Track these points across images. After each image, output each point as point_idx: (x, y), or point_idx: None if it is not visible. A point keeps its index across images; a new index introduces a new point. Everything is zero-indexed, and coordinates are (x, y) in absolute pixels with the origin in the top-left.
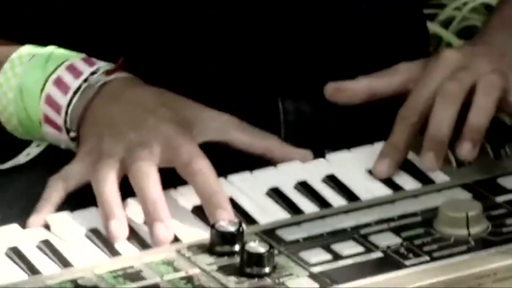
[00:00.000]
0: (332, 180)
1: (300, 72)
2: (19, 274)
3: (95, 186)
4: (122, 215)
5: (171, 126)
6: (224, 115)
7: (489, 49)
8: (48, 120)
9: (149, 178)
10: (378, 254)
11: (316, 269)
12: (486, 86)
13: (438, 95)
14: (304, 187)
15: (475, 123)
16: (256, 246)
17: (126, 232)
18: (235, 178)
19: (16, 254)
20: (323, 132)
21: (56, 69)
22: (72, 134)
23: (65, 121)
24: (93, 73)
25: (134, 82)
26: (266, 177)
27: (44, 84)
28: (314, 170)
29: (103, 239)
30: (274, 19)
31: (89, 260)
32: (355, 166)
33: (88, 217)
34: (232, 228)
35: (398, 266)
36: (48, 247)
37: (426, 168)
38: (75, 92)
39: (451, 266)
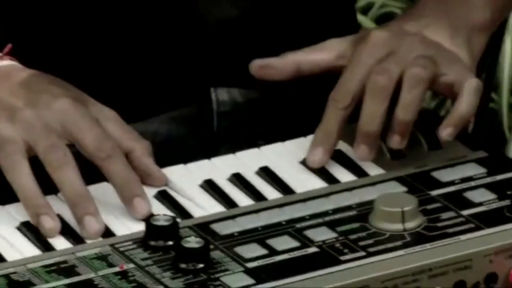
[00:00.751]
0: (266, 173)
1: (232, 60)
2: None
3: (10, 179)
4: (49, 208)
5: (66, 100)
6: (105, 106)
7: (418, 24)
8: None
9: (67, 167)
10: (313, 249)
11: (251, 265)
12: (411, 81)
13: (368, 89)
14: (238, 179)
15: (402, 118)
16: (192, 241)
17: (59, 226)
18: (167, 170)
19: None
20: (256, 123)
21: None
22: None
23: None
24: None
25: (22, 67)
26: (199, 170)
27: None
28: (248, 162)
29: (35, 233)
30: (203, 5)
31: (21, 254)
32: (289, 158)
33: (20, 210)
34: (166, 223)
35: (334, 261)
36: None
37: (360, 159)
38: None
39: (387, 262)
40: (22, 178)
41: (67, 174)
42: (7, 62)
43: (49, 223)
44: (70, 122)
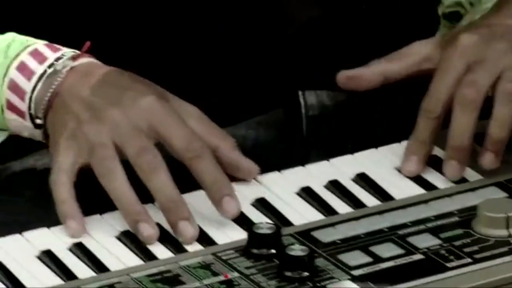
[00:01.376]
0: (363, 179)
1: (319, 62)
2: (54, 279)
3: (106, 186)
4: (147, 215)
5: (152, 98)
6: (190, 105)
7: (505, 27)
8: (11, 107)
9: (159, 171)
10: (418, 256)
11: (357, 272)
12: (503, 96)
13: (456, 102)
14: (335, 187)
15: (496, 136)
16: (296, 249)
17: (157, 232)
18: (264, 178)
19: (49, 258)
20: (345, 126)
21: (18, 54)
22: (38, 121)
23: (29, 107)
24: (58, 59)
25: (101, 65)
26: (295, 176)
27: (7, 70)
28: (344, 168)
29: (135, 242)
30: (288, 11)
31: (123, 264)
32: (384, 164)
33: (117, 218)
34: (269, 231)
35: (441, 269)
36: (81, 250)
37: (450, 177)
38: (39, 78)
39: (494, 269)
40: (118, 185)
41: (159, 177)
42: (86, 60)
43: (147, 230)
44: (157, 121)
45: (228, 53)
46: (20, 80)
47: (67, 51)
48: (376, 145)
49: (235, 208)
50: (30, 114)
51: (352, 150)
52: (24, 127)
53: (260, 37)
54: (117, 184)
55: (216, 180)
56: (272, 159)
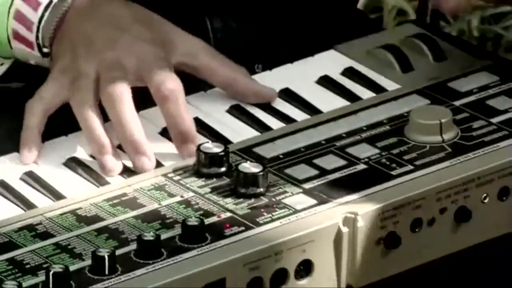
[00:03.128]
0: (287, 95)
1: None
2: (13, 208)
3: (76, 110)
4: (112, 147)
5: (145, 45)
6: (195, 39)
7: None
8: (18, 37)
9: (122, 103)
10: (362, 166)
11: (307, 185)
12: None
13: None
14: (263, 104)
15: None
16: (249, 167)
17: (120, 166)
18: (191, 98)
19: (3, 188)
20: (252, 47)
21: None
22: (45, 50)
23: (37, 37)
24: None
25: None
26: (221, 96)
27: (12, 1)
28: (267, 85)
29: (84, 168)
30: None
31: (78, 190)
32: (304, 78)
33: (64, 145)
34: (218, 150)
35: (387, 177)
36: (32, 178)
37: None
38: (46, 7)
39: (437, 174)
40: (87, 114)
41: (121, 110)
42: None
43: (110, 163)
44: (144, 68)
45: None
46: (27, 10)
47: None
48: (286, 62)
49: (192, 151)
50: (38, 44)
51: (260, 70)
52: (32, 56)
53: None
54: (86, 113)
55: (178, 126)
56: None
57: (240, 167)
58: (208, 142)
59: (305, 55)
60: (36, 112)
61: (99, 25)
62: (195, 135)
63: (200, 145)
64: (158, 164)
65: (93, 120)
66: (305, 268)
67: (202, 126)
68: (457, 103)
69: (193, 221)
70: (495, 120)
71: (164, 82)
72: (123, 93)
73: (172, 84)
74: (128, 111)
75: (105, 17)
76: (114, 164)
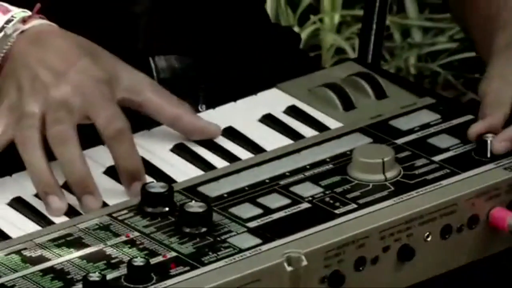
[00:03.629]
0: (231, 133)
1: (168, 29)
2: None
3: (21, 149)
4: (57, 187)
5: (92, 82)
6: (141, 74)
7: None
8: None
9: (68, 143)
10: (306, 205)
11: (252, 224)
12: None
13: None
14: (207, 142)
15: None
16: (194, 206)
17: (66, 206)
18: (135, 136)
19: None
20: (196, 88)
21: None
22: None
23: None
24: (8, 21)
25: (53, 28)
26: (165, 134)
27: None
28: None
29: (29, 208)
30: None
31: (23, 230)
32: (246, 117)
33: (8, 185)
34: (162, 189)
35: (330, 216)
36: None
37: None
38: None
39: (380, 212)
40: (32, 154)
41: (68, 150)
42: (37, 22)
43: (56, 203)
44: (88, 102)
45: (83, 24)
46: None
47: (17, 12)
48: (229, 101)
49: (95, 205)
50: None
51: (204, 109)
52: None
53: (110, 12)
54: (30, 153)
55: (127, 165)
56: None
57: (185, 207)
58: (153, 181)
59: (247, 94)
60: None
61: (46, 57)
62: (143, 174)
63: (144, 184)
64: (103, 204)
65: (38, 159)
66: None
67: (146, 165)
68: (399, 141)
69: (138, 262)
70: (436, 158)
71: (111, 122)
72: (69, 132)
73: (119, 124)
74: (74, 151)
75: (51, 49)
76: (60, 204)
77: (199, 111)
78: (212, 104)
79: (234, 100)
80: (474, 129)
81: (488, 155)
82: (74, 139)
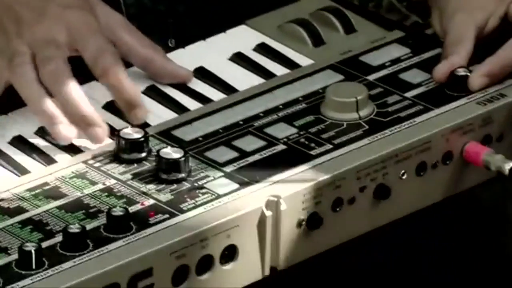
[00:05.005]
0: (202, 74)
1: None
2: None
3: (19, 87)
4: (63, 116)
5: (74, 13)
6: (116, 14)
7: None
8: None
9: (63, 80)
10: (281, 147)
11: (228, 168)
12: None
13: None
14: (179, 83)
15: None
16: (171, 152)
17: (75, 133)
18: None
19: None
20: (165, 22)
21: None
22: None
23: None
24: None
25: None
26: (137, 74)
27: None
28: (181, 63)
29: (31, 146)
30: None
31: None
32: (217, 56)
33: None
34: (138, 135)
35: (306, 157)
36: None
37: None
38: None
39: (356, 152)
40: (31, 89)
41: (64, 88)
42: None
43: (65, 130)
44: (75, 35)
45: None
46: None
47: None
48: (199, 38)
49: (143, 117)
50: None
51: (174, 45)
52: None
53: None
54: (30, 88)
55: (123, 96)
56: None
57: (161, 153)
58: (127, 127)
59: (217, 28)
60: None
61: None
62: (140, 100)
63: (119, 130)
64: (78, 150)
65: (38, 93)
66: (230, 253)
67: (116, 109)
68: (371, 77)
69: (118, 211)
70: (409, 94)
71: (99, 56)
72: (61, 68)
73: (107, 58)
74: (72, 87)
75: None
76: (69, 130)
77: (168, 46)
78: (182, 38)
79: (204, 34)
80: (440, 71)
81: (460, 88)
82: (68, 74)
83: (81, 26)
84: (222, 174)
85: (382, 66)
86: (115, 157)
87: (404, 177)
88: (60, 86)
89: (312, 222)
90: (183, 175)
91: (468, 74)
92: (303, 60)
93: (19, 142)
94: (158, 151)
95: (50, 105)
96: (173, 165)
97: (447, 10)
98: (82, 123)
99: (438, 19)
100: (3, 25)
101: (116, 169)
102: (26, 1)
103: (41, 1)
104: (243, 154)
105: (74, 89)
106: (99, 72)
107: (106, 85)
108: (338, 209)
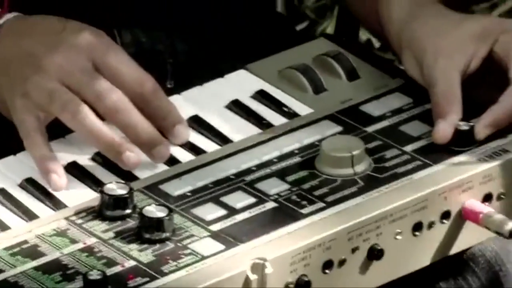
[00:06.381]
0: (197, 122)
1: (134, 2)
2: None
3: (78, 127)
4: (129, 144)
5: (87, 33)
6: (117, 46)
7: None
8: None
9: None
10: (272, 204)
11: (215, 227)
12: None
13: None
14: None
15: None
16: (154, 211)
17: (140, 158)
18: None
19: None
20: (162, 62)
21: None
22: None
23: None
24: None
25: (26, 17)
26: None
27: None
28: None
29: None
30: None
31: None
32: (214, 103)
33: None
34: (122, 191)
35: (296, 216)
36: None
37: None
38: None
39: (349, 211)
40: (90, 123)
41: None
42: (10, 16)
43: (133, 158)
44: (100, 57)
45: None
46: None
47: None
48: (199, 83)
49: (167, 153)
50: None
51: (173, 85)
52: None
53: None
54: (89, 122)
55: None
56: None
57: (144, 211)
58: (111, 182)
59: (218, 68)
60: (39, 143)
61: (31, 41)
62: (159, 136)
63: (103, 186)
64: (62, 205)
65: (100, 126)
66: None
67: (105, 162)
68: (370, 129)
69: (94, 275)
70: (408, 148)
71: (102, 94)
72: (122, 100)
73: (113, 95)
74: (132, 113)
75: (33, 32)
76: (136, 157)
77: (167, 87)
78: (181, 79)
79: (204, 74)
80: (442, 133)
81: (464, 143)
82: (128, 103)
83: (98, 46)
84: (208, 233)
85: (382, 117)
86: (99, 213)
87: (398, 237)
88: (121, 115)
89: (300, 286)
90: (166, 234)
91: (470, 126)
92: (302, 109)
93: (3, 195)
94: (141, 209)
95: (116, 135)
96: (157, 224)
97: (426, 56)
98: (147, 145)
99: (415, 64)
100: (13, 70)
101: (98, 226)
102: (37, 41)
103: (53, 36)
104: (231, 211)
105: (135, 115)
106: (106, 114)
107: (118, 126)
108: (327, 272)
